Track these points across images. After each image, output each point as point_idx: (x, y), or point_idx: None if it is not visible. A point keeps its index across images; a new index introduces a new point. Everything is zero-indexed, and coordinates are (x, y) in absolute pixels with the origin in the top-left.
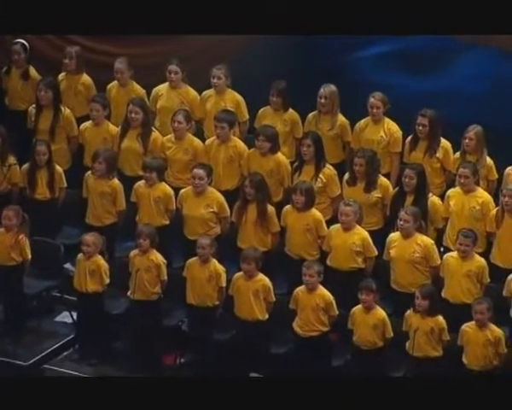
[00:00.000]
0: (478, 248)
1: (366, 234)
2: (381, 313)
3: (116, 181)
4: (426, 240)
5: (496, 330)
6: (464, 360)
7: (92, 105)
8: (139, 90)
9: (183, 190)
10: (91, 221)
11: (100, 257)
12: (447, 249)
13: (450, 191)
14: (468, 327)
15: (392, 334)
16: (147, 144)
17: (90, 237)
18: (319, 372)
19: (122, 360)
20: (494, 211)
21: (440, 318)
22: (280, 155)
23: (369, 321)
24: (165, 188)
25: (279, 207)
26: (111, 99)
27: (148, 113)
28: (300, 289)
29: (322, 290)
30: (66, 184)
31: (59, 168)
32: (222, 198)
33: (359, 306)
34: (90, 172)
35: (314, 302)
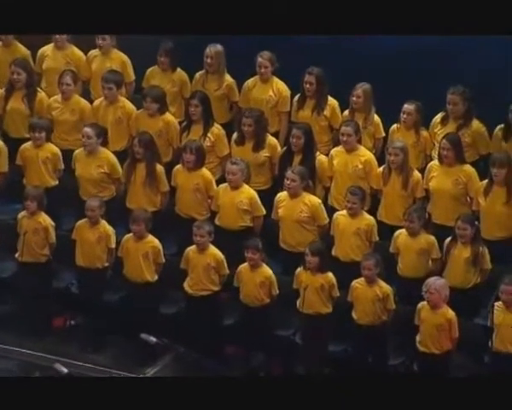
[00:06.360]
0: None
1: (254, 193)
2: (267, 270)
3: (0, 143)
4: (313, 199)
5: (384, 287)
6: (354, 315)
7: None
8: (23, 50)
9: (76, 151)
10: None
11: None
12: (333, 209)
13: (334, 150)
14: (357, 283)
15: (278, 291)
16: (32, 105)
17: None
18: (211, 331)
19: (11, 324)
20: (381, 169)
21: (330, 274)
22: (168, 116)
23: (256, 279)
24: (52, 148)
25: (168, 167)
26: None
27: (32, 73)
28: (191, 248)
29: (213, 250)
30: None
31: None
32: (114, 159)
33: (245, 264)
34: None
35: (205, 262)
